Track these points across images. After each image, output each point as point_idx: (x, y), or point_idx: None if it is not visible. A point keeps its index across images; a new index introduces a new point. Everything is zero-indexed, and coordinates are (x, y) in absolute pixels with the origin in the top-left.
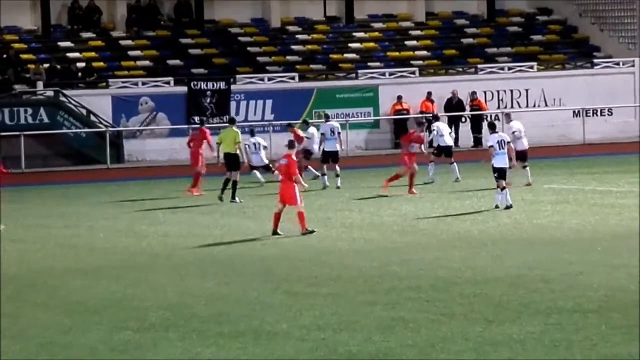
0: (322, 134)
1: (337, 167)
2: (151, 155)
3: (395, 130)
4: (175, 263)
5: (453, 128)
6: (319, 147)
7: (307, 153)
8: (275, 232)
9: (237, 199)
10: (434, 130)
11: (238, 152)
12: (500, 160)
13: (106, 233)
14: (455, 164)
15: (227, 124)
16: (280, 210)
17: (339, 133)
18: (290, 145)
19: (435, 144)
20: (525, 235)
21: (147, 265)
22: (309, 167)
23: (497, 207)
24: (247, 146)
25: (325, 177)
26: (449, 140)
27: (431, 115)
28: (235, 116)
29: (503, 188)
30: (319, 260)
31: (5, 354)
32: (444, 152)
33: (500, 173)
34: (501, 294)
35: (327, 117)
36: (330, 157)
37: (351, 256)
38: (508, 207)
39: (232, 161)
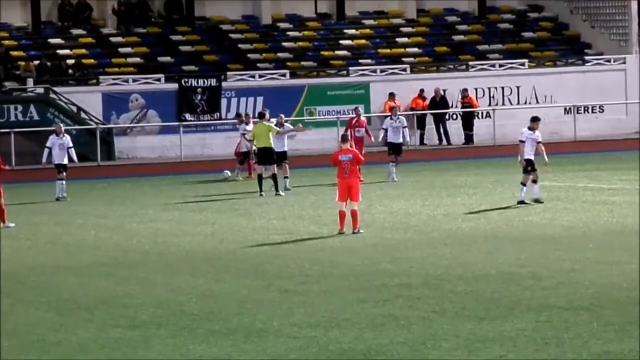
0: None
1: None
2: (142, 152)
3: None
4: (166, 260)
5: (441, 126)
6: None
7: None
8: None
9: (280, 191)
10: (399, 124)
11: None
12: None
13: (97, 230)
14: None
15: (257, 120)
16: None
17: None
18: (344, 139)
19: (389, 139)
20: (516, 232)
21: (138, 262)
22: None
23: (538, 201)
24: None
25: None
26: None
27: (390, 108)
28: (228, 112)
29: (534, 181)
30: (310, 257)
31: None
32: (394, 149)
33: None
34: (492, 291)
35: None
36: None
37: (342, 254)
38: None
39: (267, 155)
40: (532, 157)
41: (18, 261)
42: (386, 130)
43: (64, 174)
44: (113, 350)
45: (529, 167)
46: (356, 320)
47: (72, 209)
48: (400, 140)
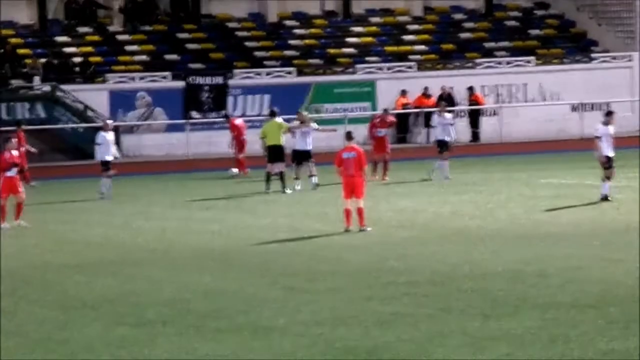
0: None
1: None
2: (148, 150)
3: (398, 125)
4: (173, 258)
5: None
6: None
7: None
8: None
9: (287, 189)
10: (448, 121)
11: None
12: (610, 149)
13: (103, 228)
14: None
15: (268, 117)
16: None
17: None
18: (348, 137)
19: (441, 137)
20: (522, 230)
21: (145, 260)
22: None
23: (607, 197)
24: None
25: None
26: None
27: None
28: (233, 112)
29: (608, 178)
30: (317, 255)
31: (1, 350)
32: (446, 147)
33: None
34: (499, 288)
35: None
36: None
37: (348, 251)
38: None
39: (277, 153)
40: (611, 154)
41: (24, 259)
42: (435, 127)
43: (111, 170)
44: (119, 349)
45: (607, 163)
46: (363, 317)
47: (78, 206)
48: (449, 137)
